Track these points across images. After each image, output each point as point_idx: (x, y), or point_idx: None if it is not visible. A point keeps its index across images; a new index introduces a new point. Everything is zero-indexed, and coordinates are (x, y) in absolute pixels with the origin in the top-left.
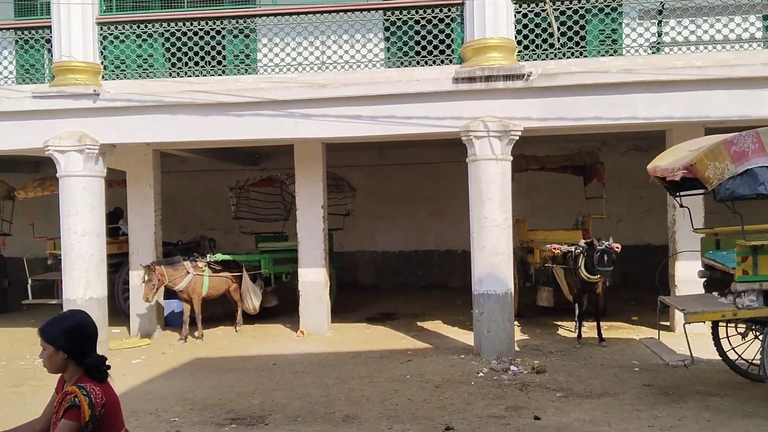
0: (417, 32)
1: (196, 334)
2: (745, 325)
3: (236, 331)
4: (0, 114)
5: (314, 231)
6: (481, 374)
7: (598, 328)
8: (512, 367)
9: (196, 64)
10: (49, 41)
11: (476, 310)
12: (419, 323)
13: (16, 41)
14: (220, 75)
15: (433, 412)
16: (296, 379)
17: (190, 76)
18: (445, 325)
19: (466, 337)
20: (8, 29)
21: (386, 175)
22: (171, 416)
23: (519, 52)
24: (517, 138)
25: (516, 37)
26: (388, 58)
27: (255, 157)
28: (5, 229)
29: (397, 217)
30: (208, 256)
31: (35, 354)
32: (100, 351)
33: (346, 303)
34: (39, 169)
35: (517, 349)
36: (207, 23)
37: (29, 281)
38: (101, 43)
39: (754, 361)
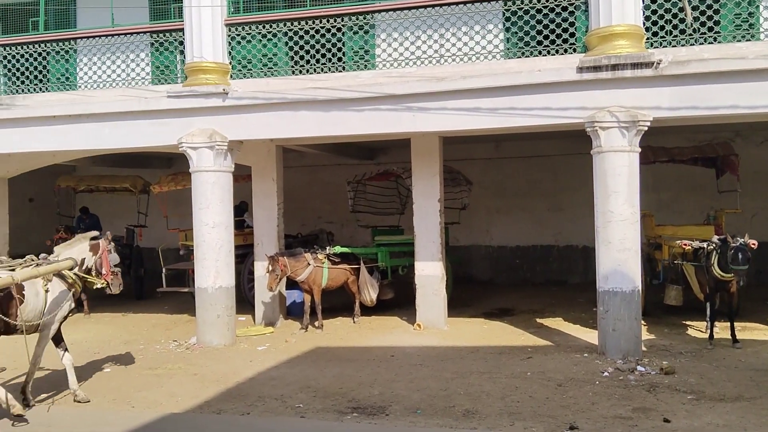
0: (538, 21)
1: (316, 323)
2: None
3: (354, 322)
4: (138, 113)
5: (431, 225)
6: (606, 374)
7: (732, 328)
8: (639, 368)
9: (317, 61)
10: (181, 43)
11: (601, 308)
12: (539, 320)
13: (152, 44)
14: (340, 71)
15: (555, 410)
16: (414, 371)
17: (312, 73)
18: (566, 322)
19: (588, 336)
20: (144, 33)
21: (503, 168)
22: (295, 402)
23: (647, 39)
24: (646, 128)
25: (644, 24)
26: (508, 48)
27: (371, 152)
28: (141, 221)
29: (514, 211)
30: (328, 248)
31: (170, 338)
32: (228, 337)
33: (462, 297)
34: (171, 164)
35: (643, 348)
36: (327, 21)
37: (163, 270)
38: (229, 43)
39: None
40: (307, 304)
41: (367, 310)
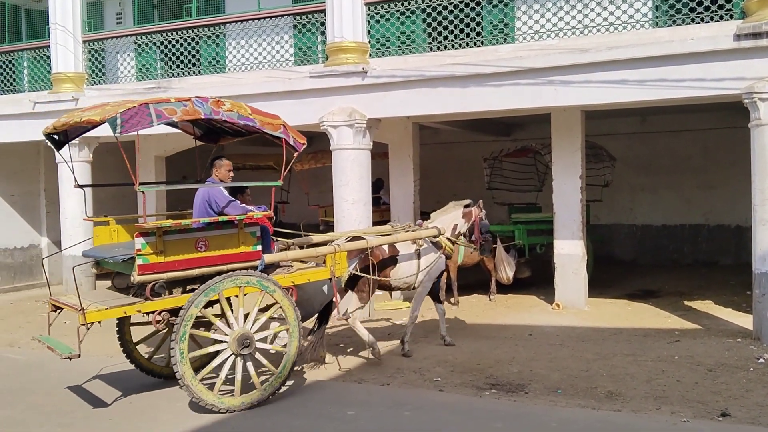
0: None
1: (452, 300)
2: None
3: (490, 299)
4: (283, 94)
5: (571, 202)
6: (761, 360)
7: None
8: None
9: (455, 36)
10: (322, 24)
11: (757, 291)
12: (686, 302)
13: (294, 26)
14: (478, 46)
15: (705, 396)
16: (554, 351)
17: (449, 49)
18: (717, 305)
19: (742, 320)
20: (288, 15)
21: (648, 143)
22: (433, 376)
23: None
24: None
25: None
26: (657, 17)
27: (507, 128)
28: (284, 197)
29: (660, 188)
30: None
31: None
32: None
33: (603, 278)
34: (311, 143)
35: None
36: None
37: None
38: (368, 22)
39: None
40: (443, 280)
41: (503, 289)
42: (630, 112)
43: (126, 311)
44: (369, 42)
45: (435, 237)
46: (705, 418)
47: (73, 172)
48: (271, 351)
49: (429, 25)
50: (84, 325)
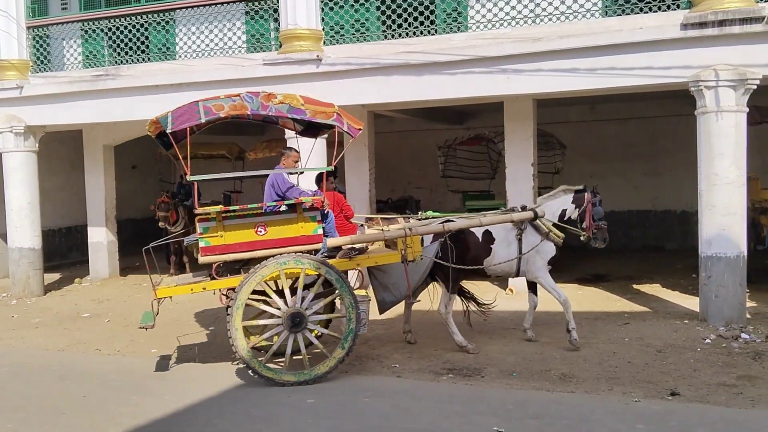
0: None
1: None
2: None
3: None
4: (236, 81)
5: (523, 189)
6: (708, 341)
7: None
8: (743, 335)
9: (410, 24)
10: (275, 11)
11: (703, 274)
12: (635, 286)
13: (246, 12)
14: (432, 34)
15: (655, 376)
16: (509, 335)
17: (404, 37)
18: (664, 288)
19: (688, 302)
20: (239, 1)
21: (598, 131)
22: (392, 362)
23: None
24: (755, 87)
25: None
26: (607, 6)
27: (460, 116)
28: (237, 187)
29: (609, 175)
30: (420, 213)
31: None
32: None
33: (555, 263)
34: (265, 131)
35: (748, 316)
36: None
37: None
38: (322, 10)
39: None
40: None
41: None
42: (580, 100)
43: (193, 289)
44: (323, 29)
45: (532, 220)
46: (655, 398)
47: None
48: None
49: (383, 12)
50: (156, 299)
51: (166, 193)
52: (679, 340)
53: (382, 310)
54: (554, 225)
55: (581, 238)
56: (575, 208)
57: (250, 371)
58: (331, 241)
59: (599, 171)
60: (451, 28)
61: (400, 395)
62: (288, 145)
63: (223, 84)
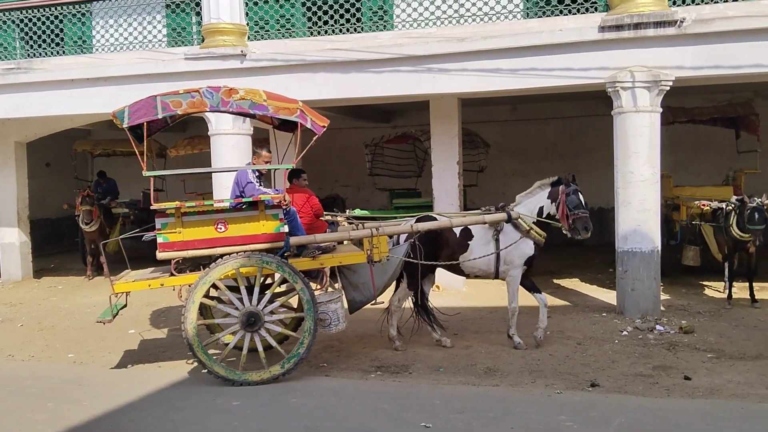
0: None
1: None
2: None
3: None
4: (156, 76)
5: (449, 187)
6: (625, 333)
7: (751, 288)
8: (658, 327)
9: (336, 22)
10: (197, 4)
11: (620, 268)
12: (555, 281)
13: (167, 5)
14: (359, 32)
15: (576, 368)
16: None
17: (330, 34)
18: (583, 283)
19: (606, 296)
20: None
21: (520, 130)
22: (320, 361)
23: None
24: (668, 88)
25: None
26: (528, 8)
27: (387, 114)
28: (158, 185)
29: (531, 173)
30: (347, 211)
31: None
32: None
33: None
34: (186, 128)
35: (662, 308)
36: None
37: None
38: (246, 4)
39: None
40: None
41: None
42: (503, 100)
43: (150, 285)
44: (247, 24)
45: (507, 222)
46: (576, 389)
47: None
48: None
49: (309, 9)
50: (114, 294)
51: (88, 188)
52: (598, 332)
53: (352, 310)
54: (536, 223)
55: (564, 231)
56: (551, 202)
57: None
58: (295, 240)
59: (522, 169)
60: (377, 26)
61: (328, 394)
62: (260, 144)
63: (143, 78)
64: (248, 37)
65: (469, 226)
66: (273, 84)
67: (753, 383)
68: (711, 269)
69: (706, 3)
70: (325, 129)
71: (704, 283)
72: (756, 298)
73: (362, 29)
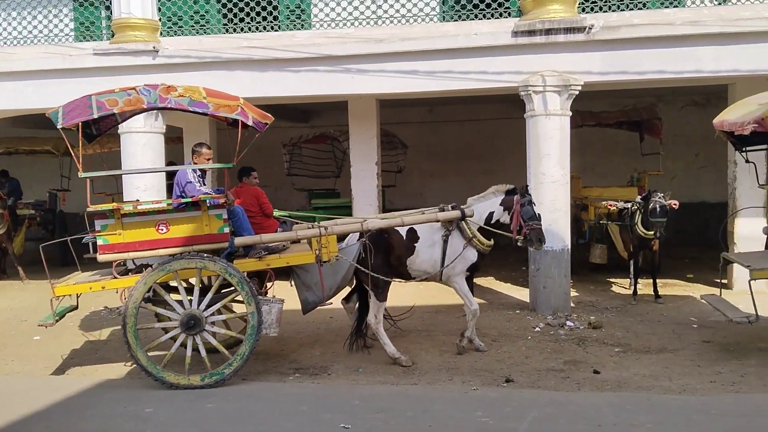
0: None
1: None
2: None
3: (291, 285)
4: (64, 71)
5: (368, 187)
6: (537, 329)
7: (654, 284)
8: (568, 323)
9: (252, 19)
10: None
11: (532, 266)
12: None
13: None
14: (276, 31)
15: (491, 365)
16: None
17: (246, 32)
18: (498, 281)
19: (520, 293)
20: None
21: (437, 132)
22: None
23: (580, 3)
24: (577, 93)
25: None
26: (445, 11)
27: (305, 114)
28: (65, 185)
29: (449, 174)
30: None
31: (101, 305)
32: None
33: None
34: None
35: (572, 305)
36: None
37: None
38: None
39: None
40: None
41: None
42: (420, 101)
43: (92, 287)
44: (160, 20)
45: (459, 220)
46: (492, 385)
47: None
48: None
49: (224, 5)
50: (55, 297)
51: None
52: (511, 329)
53: (305, 311)
54: (480, 229)
55: (516, 242)
56: (504, 210)
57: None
58: (240, 240)
59: (439, 170)
60: (295, 25)
61: (245, 398)
62: (200, 142)
63: (50, 74)
64: (161, 33)
65: (414, 228)
66: (187, 81)
67: (657, 375)
68: (617, 267)
69: (613, 10)
70: (267, 126)
71: (611, 280)
72: (659, 294)
73: (279, 28)
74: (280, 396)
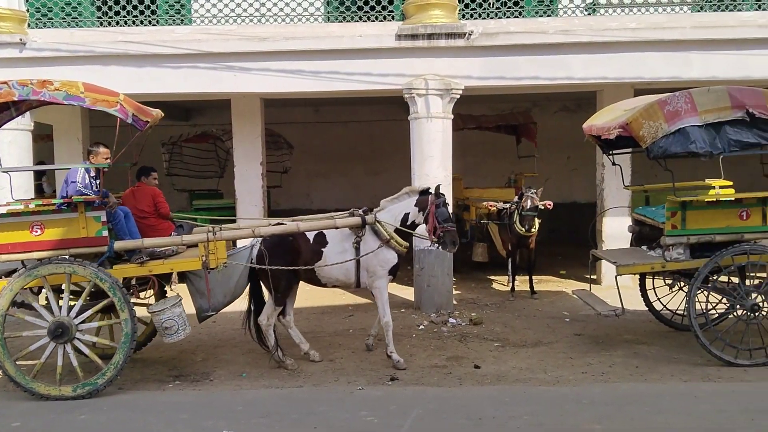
0: None
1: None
2: (672, 277)
3: (171, 289)
4: None
5: (253, 188)
6: (421, 327)
7: (530, 281)
8: (451, 320)
9: (128, 13)
10: None
11: (417, 266)
12: None
13: None
14: (154, 25)
15: (377, 364)
16: (239, 335)
17: (122, 26)
18: None
19: (405, 293)
20: None
21: (323, 132)
22: None
23: (460, 10)
24: (459, 96)
25: None
26: (329, 12)
27: (186, 112)
28: None
29: (334, 175)
30: None
31: None
32: None
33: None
34: None
35: (454, 302)
36: None
37: None
38: None
39: (678, 311)
40: None
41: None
42: (305, 102)
43: None
44: (28, 11)
45: (360, 227)
46: (377, 384)
47: None
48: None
49: None
50: None
51: None
52: (397, 328)
53: (200, 319)
54: (397, 231)
55: (430, 244)
56: (419, 211)
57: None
58: (119, 245)
59: (324, 171)
60: (174, 20)
61: (121, 408)
62: (97, 141)
63: None
64: (29, 25)
65: (324, 233)
66: (58, 76)
67: (533, 368)
68: (498, 264)
69: (491, 18)
70: (149, 124)
71: (491, 277)
72: (535, 290)
73: (158, 22)
74: (158, 404)
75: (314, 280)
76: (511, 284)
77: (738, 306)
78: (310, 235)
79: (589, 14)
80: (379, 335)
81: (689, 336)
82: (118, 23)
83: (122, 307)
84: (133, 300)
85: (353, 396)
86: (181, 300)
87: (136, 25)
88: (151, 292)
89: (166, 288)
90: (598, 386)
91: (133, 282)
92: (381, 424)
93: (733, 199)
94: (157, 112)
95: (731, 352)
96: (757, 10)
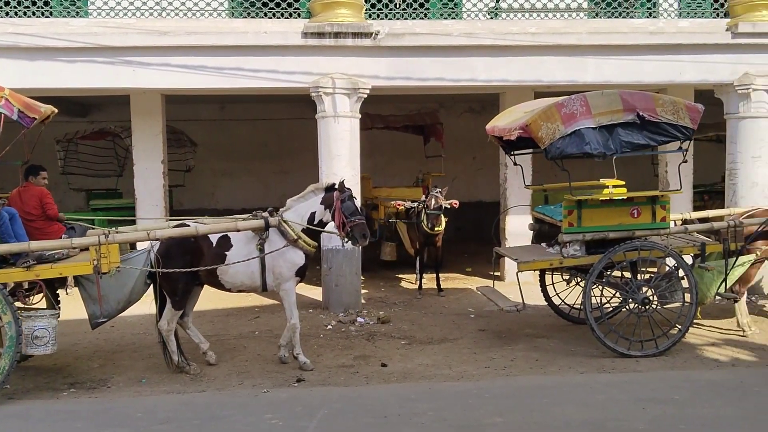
0: None
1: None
2: (569, 273)
3: (67, 294)
4: None
5: (153, 187)
6: (329, 327)
7: (437, 279)
8: (359, 319)
9: (20, 3)
10: None
11: (325, 266)
12: None
13: None
14: (47, 17)
15: (283, 366)
16: (139, 340)
17: (12, 17)
18: None
19: (313, 293)
20: None
21: (229, 130)
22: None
23: (367, 10)
24: (366, 96)
25: None
26: (233, 7)
27: (83, 108)
28: None
29: (241, 174)
30: None
31: None
32: None
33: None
34: None
35: (363, 301)
36: None
37: None
38: None
39: (575, 306)
40: None
41: None
42: (210, 98)
43: None
44: None
45: (263, 230)
46: (283, 386)
47: None
48: None
49: None
50: None
51: None
52: (305, 328)
53: (93, 326)
54: (306, 230)
55: (341, 241)
56: (325, 209)
57: None
58: (3, 248)
59: (232, 169)
60: (69, 12)
61: (10, 419)
62: None
63: None
64: None
65: (229, 235)
66: None
67: (439, 365)
68: (406, 263)
69: (398, 18)
70: (37, 121)
71: (399, 276)
72: (441, 287)
73: (52, 14)
74: (51, 414)
75: (218, 284)
76: (418, 282)
77: (630, 300)
78: (214, 238)
79: (491, 18)
80: (288, 343)
81: (586, 329)
82: (7, 14)
83: (4, 310)
84: (19, 305)
85: (258, 399)
86: (58, 315)
87: (28, 17)
88: (40, 297)
89: (59, 292)
90: (500, 380)
91: (25, 286)
92: (286, 426)
93: (625, 198)
94: (48, 108)
95: (624, 343)
96: (648, 17)
